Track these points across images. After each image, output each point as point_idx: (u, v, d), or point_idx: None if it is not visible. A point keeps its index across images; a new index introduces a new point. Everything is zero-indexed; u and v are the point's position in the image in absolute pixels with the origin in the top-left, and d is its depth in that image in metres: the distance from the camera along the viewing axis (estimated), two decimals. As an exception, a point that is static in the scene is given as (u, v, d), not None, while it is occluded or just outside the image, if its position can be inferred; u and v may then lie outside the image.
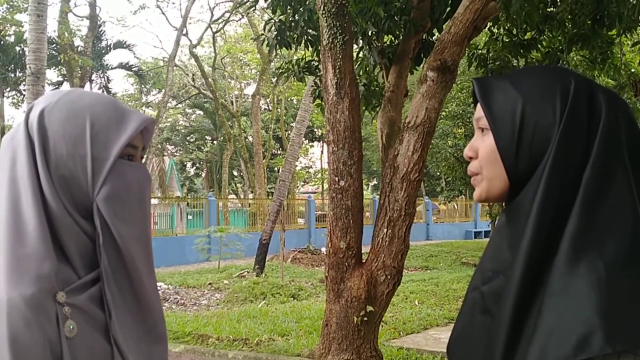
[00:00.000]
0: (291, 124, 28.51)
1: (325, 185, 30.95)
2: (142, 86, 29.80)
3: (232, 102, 30.36)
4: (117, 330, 0.95)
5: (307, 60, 6.42)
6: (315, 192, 35.82)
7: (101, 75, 22.77)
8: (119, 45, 22.48)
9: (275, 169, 33.13)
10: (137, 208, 1.01)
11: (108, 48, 22.35)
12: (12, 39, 19.65)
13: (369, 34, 5.72)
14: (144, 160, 1.15)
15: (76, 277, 0.95)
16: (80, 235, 0.96)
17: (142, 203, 1.02)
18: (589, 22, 5.88)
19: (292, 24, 5.91)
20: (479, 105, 0.97)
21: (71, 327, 0.90)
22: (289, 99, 31.32)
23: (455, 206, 28.03)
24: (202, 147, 35.79)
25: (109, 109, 0.98)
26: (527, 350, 0.81)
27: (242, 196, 33.68)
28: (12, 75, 19.69)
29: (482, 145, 0.96)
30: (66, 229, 0.94)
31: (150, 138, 1.07)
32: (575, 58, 7.99)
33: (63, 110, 0.97)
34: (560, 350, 0.75)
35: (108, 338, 0.96)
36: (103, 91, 22.72)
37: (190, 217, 20.22)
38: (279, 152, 33.18)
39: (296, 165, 22.49)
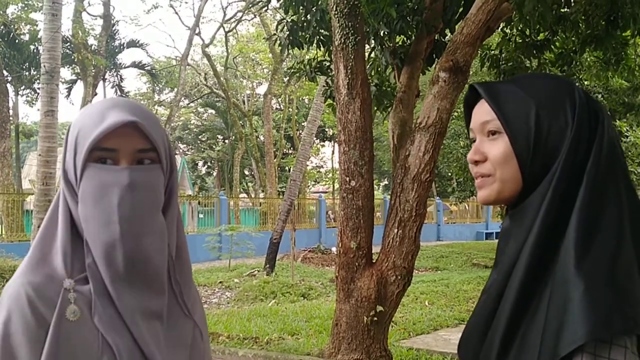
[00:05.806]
0: (302, 124, 28.55)
1: (336, 185, 30.95)
2: (155, 85, 29.97)
3: (243, 102, 30.43)
4: (100, 318, 0.99)
5: (319, 60, 6.43)
6: (326, 192, 35.82)
7: (114, 74, 22.92)
8: (132, 44, 22.61)
9: (287, 168, 33.17)
10: (106, 210, 1.00)
11: (121, 47, 22.49)
12: (26, 37, 19.82)
13: (381, 34, 5.72)
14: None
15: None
16: None
17: (112, 205, 1.00)
18: (603, 23, 5.84)
19: (305, 24, 5.92)
20: (482, 109, 1.00)
21: (74, 311, 0.97)
22: (300, 99, 31.35)
23: (467, 207, 27.92)
24: (214, 146, 35.91)
25: (92, 116, 1.02)
26: (528, 337, 0.86)
27: (253, 195, 33.72)
28: (27, 73, 19.86)
29: (495, 148, 0.98)
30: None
31: (157, 137, 1.04)
32: (588, 59, 7.93)
33: (73, 123, 1.07)
34: (577, 333, 0.79)
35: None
36: (116, 90, 22.87)
37: (201, 215, 20.30)
38: (290, 151, 33.22)
39: (307, 165, 22.48)
